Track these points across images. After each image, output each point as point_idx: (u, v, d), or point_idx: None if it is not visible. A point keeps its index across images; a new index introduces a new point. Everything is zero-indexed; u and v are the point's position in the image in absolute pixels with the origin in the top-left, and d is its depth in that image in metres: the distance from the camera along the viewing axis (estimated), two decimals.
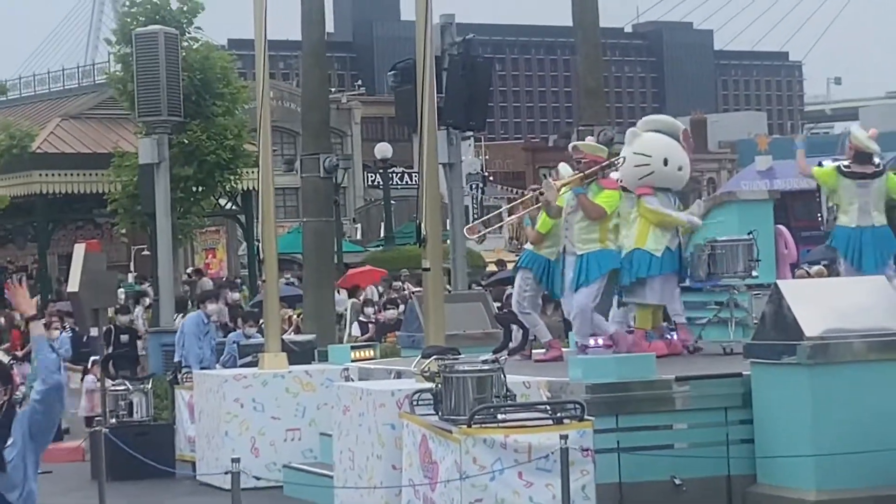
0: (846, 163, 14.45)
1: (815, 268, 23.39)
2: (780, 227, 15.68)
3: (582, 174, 13.44)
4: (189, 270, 38.96)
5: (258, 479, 11.75)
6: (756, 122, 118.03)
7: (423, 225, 11.46)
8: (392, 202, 48.40)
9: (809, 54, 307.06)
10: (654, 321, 14.04)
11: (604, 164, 13.53)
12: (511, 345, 14.68)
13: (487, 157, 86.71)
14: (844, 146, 15.68)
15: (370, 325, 23.55)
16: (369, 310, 24.41)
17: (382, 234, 49.54)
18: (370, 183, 79.63)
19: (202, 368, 17.22)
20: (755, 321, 13.36)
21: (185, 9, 29.28)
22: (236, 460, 9.60)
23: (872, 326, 10.80)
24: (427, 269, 11.51)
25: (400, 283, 31.04)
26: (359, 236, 66.49)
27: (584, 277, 13.25)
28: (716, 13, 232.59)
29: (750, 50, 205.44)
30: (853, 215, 14.28)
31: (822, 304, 10.91)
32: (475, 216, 70.82)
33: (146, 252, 33.93)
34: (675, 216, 14.06)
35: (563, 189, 13.53)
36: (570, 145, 14.50)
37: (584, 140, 15.35)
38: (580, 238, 13.38)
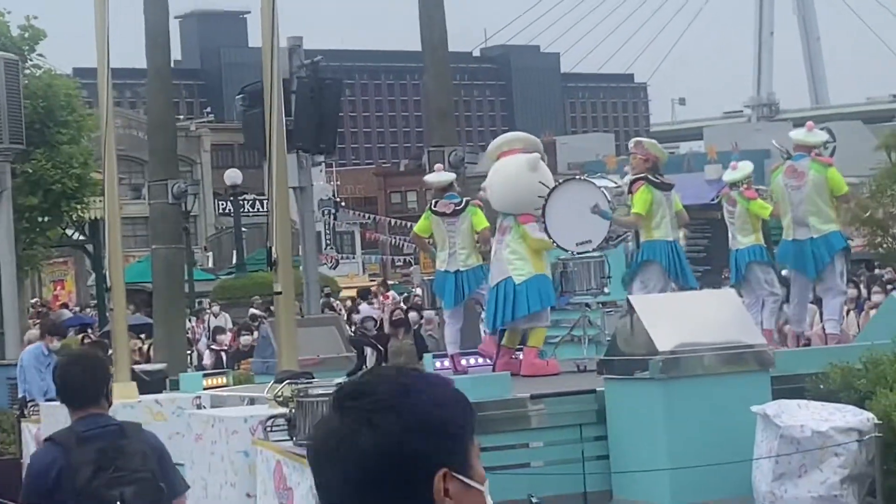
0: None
1: None
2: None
3: None
4: (33, 301, 38.22)
5: None
6: (604, 143, 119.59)
7: (273, 248, 11.32)
8: (244, 229, 47.96)
9: (654, 76, 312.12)
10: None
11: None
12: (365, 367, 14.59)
13: (339, 182, 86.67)
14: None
15: (223, 353, 23.28)
16: (222, 337, 24.14)
17: (234, 262, 49.11)
18: (221, 211, 79.03)
19: (48, 400, 16.82)
20: (608, 338, 13.44)
21: (26, 35, 28.82)
22: None
23: (722, 340, 10.90)
24: (279, 293, 11.36)
25: (255, 311, 30.80)
26: (210, 264, 65.95)
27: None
28: (562, 36, 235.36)
29: (596, 72, 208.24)
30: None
31: (674, 318, 10.99)
32: (328, 242, 70.70)
33: None
34: (549, 241, 14.11)
35: None
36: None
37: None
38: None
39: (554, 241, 14.29)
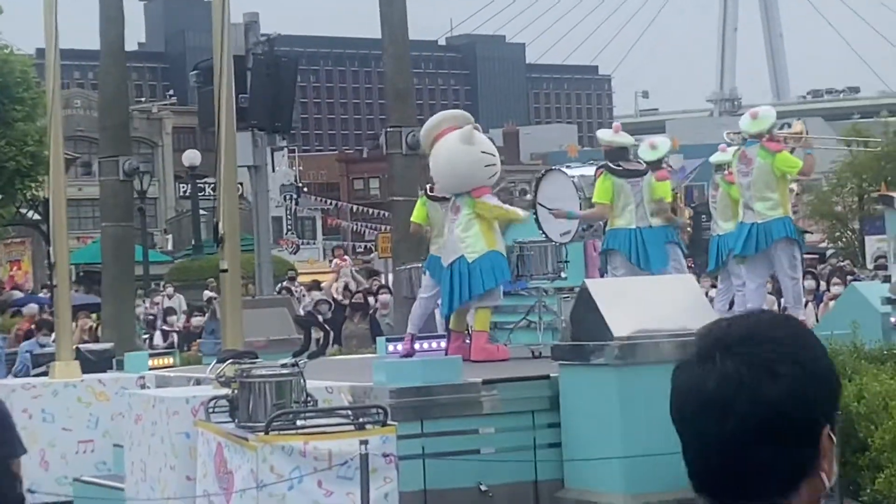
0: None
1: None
2: None
3: None
4: None
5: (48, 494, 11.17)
6: (567, 134, 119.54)
7: (220, 224, 10.98)
8: (203, 212, 47.48)
9: (618, 69, 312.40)
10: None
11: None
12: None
13: (301, 168, 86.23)
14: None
15: (174, 334, 22.95)
16: (172, 318, 23.79)
17: (192, 244, 48.68)
18: (182, 193, 78.40)
19: None
20: (564, 324, 13.17)
21: None
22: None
23: (680, 326, 10.63)
24: (224, 271, 11.02)
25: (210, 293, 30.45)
26: (170, 247, 65.50)
27: None
28: (527, 27, 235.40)
29: (561, 64, 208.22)
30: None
31: (631, 303, 10.73)
32: (289, 226, 70.34)
33: None
34: (515, 211, 13.83)
35: None
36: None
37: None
38: None
39: (543, 232, 14.14)
